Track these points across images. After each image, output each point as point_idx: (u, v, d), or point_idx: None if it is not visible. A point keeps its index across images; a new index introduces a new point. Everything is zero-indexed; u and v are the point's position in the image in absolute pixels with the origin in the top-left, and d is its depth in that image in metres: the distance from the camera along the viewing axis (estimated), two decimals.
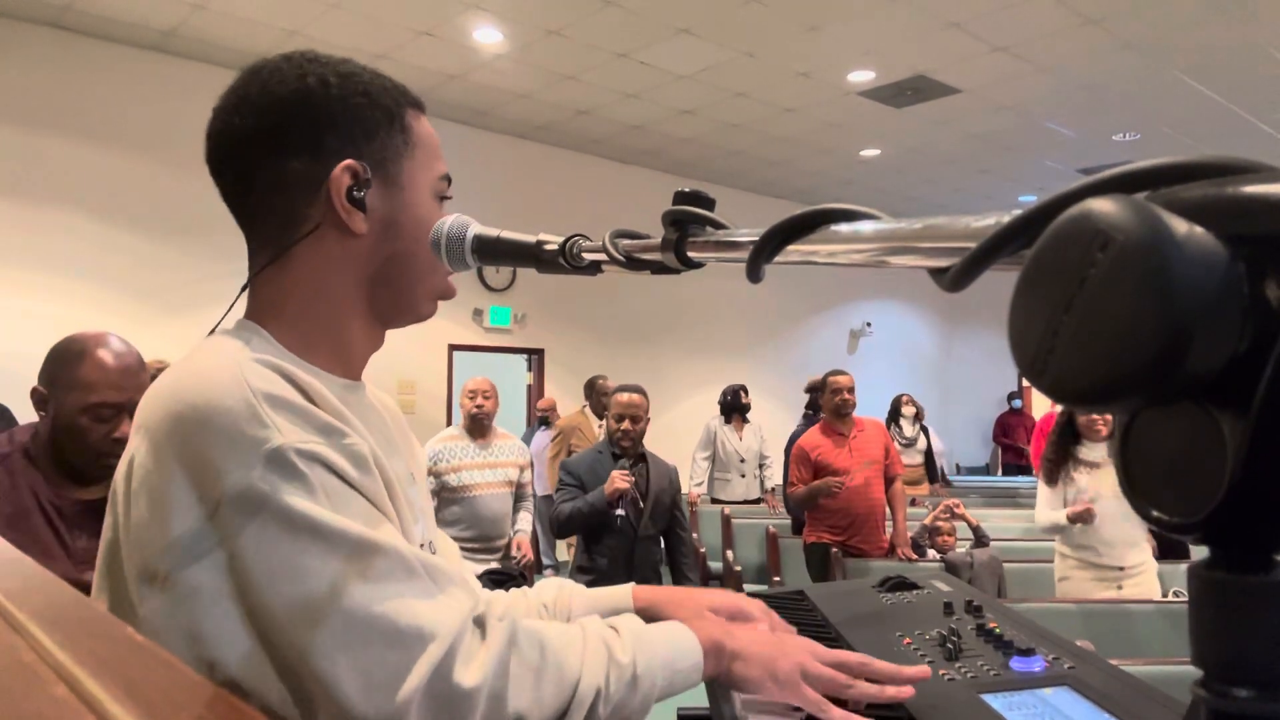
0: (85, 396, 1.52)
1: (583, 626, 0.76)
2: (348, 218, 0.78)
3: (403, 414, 0.97)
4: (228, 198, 0.82)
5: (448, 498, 3.76)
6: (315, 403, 0.71)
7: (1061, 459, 3.47)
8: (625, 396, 3.49)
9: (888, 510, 4.43)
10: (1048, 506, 3.50)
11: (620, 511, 3.28)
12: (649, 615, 0.96)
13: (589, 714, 0.70)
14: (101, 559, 0.72)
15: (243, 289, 0.83)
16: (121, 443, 1.52)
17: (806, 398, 6.51)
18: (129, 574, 0.67)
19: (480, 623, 0.69)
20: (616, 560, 3.29)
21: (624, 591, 0.99)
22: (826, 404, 4.40)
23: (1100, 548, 3.39)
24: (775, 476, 6.19)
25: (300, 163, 0.78)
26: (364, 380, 0.88)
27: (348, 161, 0.78)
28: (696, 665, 0.78)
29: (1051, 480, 3.48)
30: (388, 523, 0.70)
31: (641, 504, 3.37)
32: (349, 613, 0.63)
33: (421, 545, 0.82)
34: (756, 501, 6.20)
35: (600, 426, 5.44)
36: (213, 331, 0.80)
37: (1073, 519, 3.38)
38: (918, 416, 7.41)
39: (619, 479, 3.26)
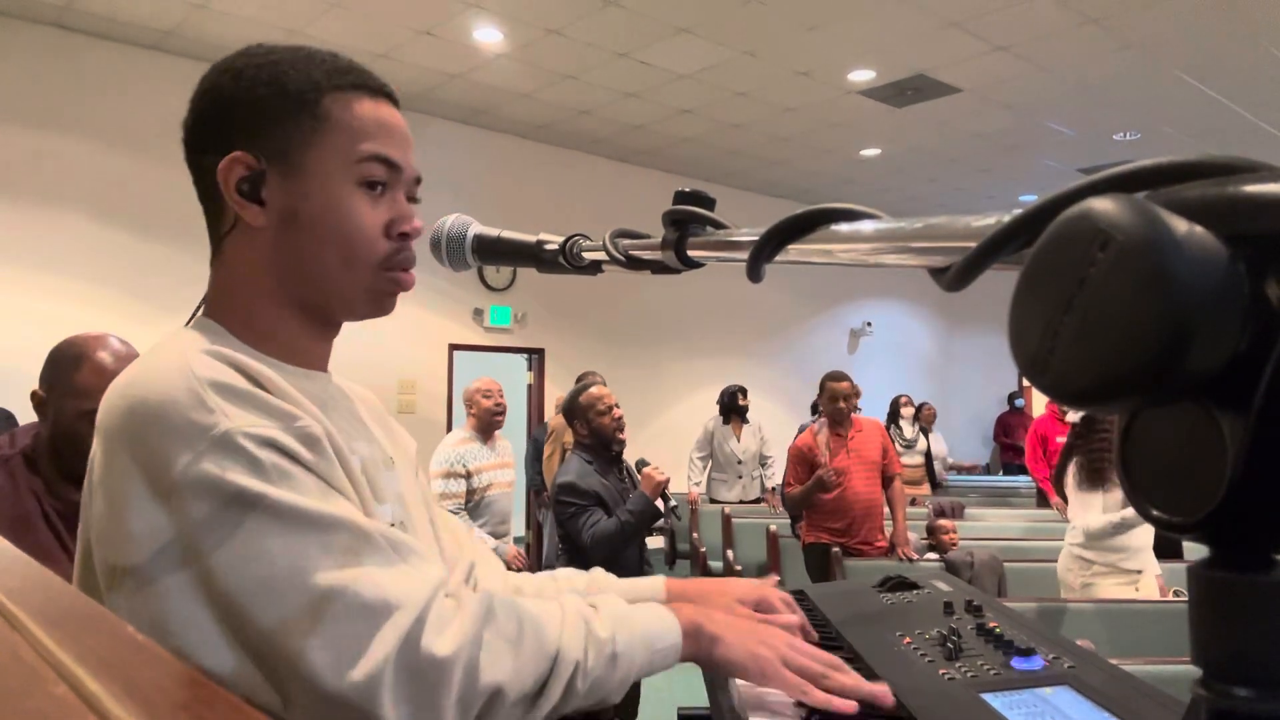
0: (82, 403, 1.48)
1: (561, 603, 0.76)
2: (241, 210, 0.78)
3: (379, 403, 0.97)
4: None
5: (470, 499, 3.82)
6: (266, 389, 0.71)
7: (1105, 461, 3.40)
8: (600, 391, 3.29)
9: (886, 510, 4.43)
10: (1097, 510, 3.36)
11: (674, 504, 3.10)
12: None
13: (567, 687, 0.70)
14: (78, 561, 0.72)
15: (210, 284, 0.83)
16: None
17: (807, 398, 6.51)
18: (98, 573, 0.67)
19: (455, 595, 0.69)
20: (629, 562, 3.13)
21: (656, 583, 1.00)
22: (824, 406, 4.38)
23: (1128, 552, 3.39)
24: (778, 476, 6.19)
25: (211, 157, 0.78)
26: (330, 372, 0.87)
27: (234, 154, 0.77)
28: (675, 645, 0.78)
29: (1098, 484, 3.39)
30: (344, 499, 0.70)
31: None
32: (311, 589, 0.62)
33: (391, 525, 0.81)
34: (755, 502, 6.20)
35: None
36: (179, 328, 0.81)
37: (1121, 525, 3.28)
38: (917, 417, 7.40)
39: (655, 474, 3.05)
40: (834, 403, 4.31)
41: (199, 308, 0.83)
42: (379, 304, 0.83)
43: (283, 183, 0.78)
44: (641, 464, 3.24)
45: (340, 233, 0.78)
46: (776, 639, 0.82)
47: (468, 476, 3.80)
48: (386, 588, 0.64)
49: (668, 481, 3.11)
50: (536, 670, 0.69)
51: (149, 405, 0.66)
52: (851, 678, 0.80)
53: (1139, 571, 3.40)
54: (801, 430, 5.24)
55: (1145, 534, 3.36)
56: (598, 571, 1.05)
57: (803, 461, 4.34)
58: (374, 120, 0.80)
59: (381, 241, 0.80)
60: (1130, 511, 3.28)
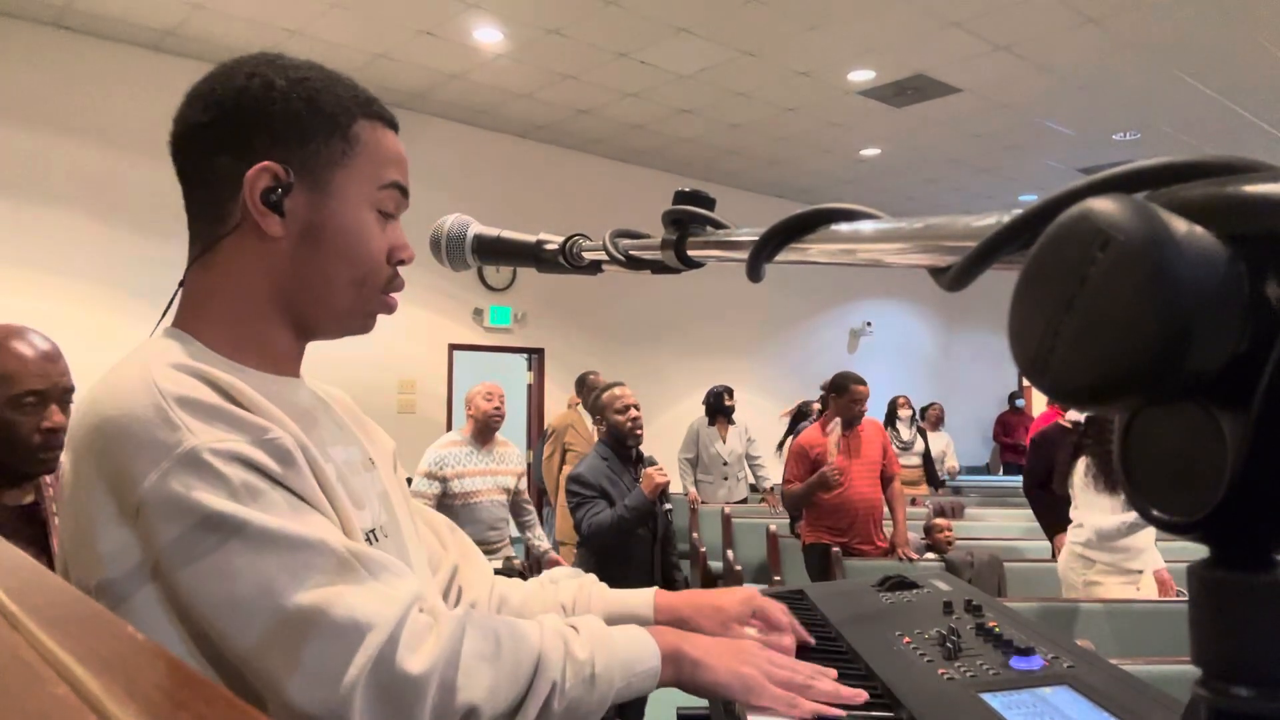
0: (8, 389, 1.47)
1: (540, 622, 0.76)
2: (261, 219, 0.77)
3: (353, 404, 0.97)
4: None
5: (448, 504, 3.75)
6: (237, 401, 0.70)
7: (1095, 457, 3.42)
8: (621, 391, 3.49)
9: (885, 510, 4.42)
10: (1110, 511, 3.36)
11: (668, 506, 3.24)
12: (671, 623, 0.96)
13: (544, 707, 0.70)
14: (59, 574, 0.72)
15: (180, 285, 0.83)
16: (55, 433, 1.48)
17: (807, 398, 6.49)
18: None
19: (431, 611, 0.69)
20: (641, 569, 3.23)
21: (645, 597, 0.99)
22: (843, 409, 4.33)
23: (1131, 551, 3.39)
24: (774, 476, 6.18)
25: (227, 159, 0.78)
26: (303, 376, 0.87)
27: (266, 162, 0.77)
28: (654, 669, 0.79)
29: (1113, 485, 3.39)
30: (316, 515, 0.69)
31: (655, 512, 3.33)
32: (282, 611, 0.62)
33: (372, 530, 0.81)
34: (742, 502, 6.18)
35: (594, 424, 5.40)
36: (153, 332, 0.81)
37: (1128, 529, 3.29)
38: (922, 417, 7.37)
39: (656, 475, 3.20)
40: (857, 405, 4.31)
41: (169, 306, 0.83)
42: (365, 324, 0.86)
43: (308, 199, 0.79)
44: (650, 462, 3.35)
45: (355, 254, 0.80)
46: (758, 656, 0.83)
47: (444, 480, 3.75)
48: (357, 608, 0.64)
49: (668, 483, 3.22)
50: (513, 689, 0.69)
51: (113, 422, 0.66)
52: (833, 685, 0.82)
53: (1140, 571, 3.40)
54: (798, 429, 5.24)
55: (1150, 533, 3.36)
56: (588, 579, 1.04)
57: (804, 459, 4.32)
58: (394, 152, 0.84)
59: (385, 267, 0.83)
60: (1115, 526, 3.33)
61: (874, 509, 4.32)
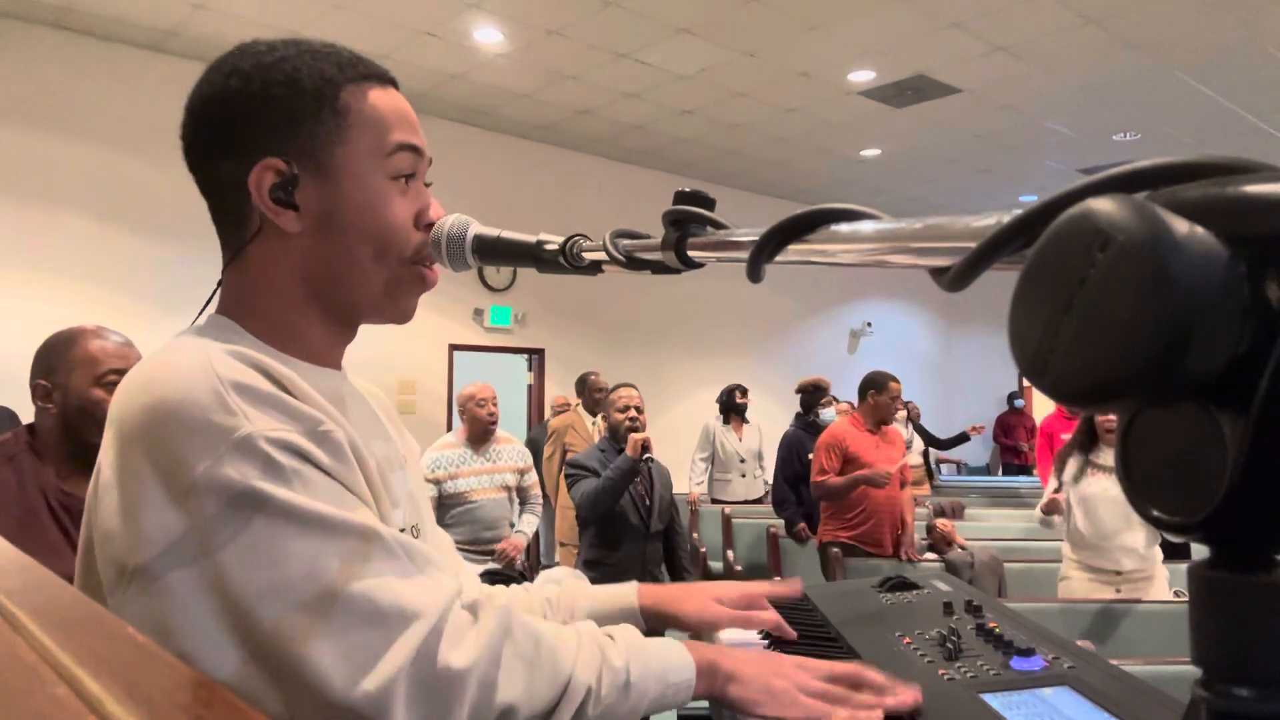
0: (94, 369, 1.59)
1: (577, 629, 0.75)
2: (276, 218, 0.75)
3: (389, 401, 0.96)
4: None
5: (446, 504, 3.77)
6: (290, 391, 0.70)
7: (1077, 452, 3.48)
8: (625, 391, 3.68)
9: None
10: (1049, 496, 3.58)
11: (650, 454, 3.44)
12: (655, 611, 0.98)
13: (578, 712, 0.70)
14: (80, 558, 0.71)
15: (215, 289, 0.82)
16: None
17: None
18: (102, 572, 0.66)
19: (473, 608, 0.68)
20: (631, 555, 3.40)
21: (628, 589, 0.99)
22: (881, 407, 4.32)
23: (1097, 550, 3.40)
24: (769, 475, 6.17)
25: (229, 165, 0.76)
26: (344, 370, 0.86)
27: (265, 160, 0.75)
28: (689, 681, 0.77)
29: (1059, 468, 3.51)
30: (364, 507, 0.69)
31: (649, 501, 3.47)
32: (325, 595, 0.61)
33: (403, 530, 0.80)
34: (757, 501, 6.19)
35: (594, 424, 5.42)
36: (194, 322, 0.80)
37: (1045, 510, 3.52)
38: (909, 419, 7.39)
39: (636, 435, 3.40)
40: (895, 401, 4.34)
41: (204, 309, 0.82)
42: (403, 301, 0.82)
43: (316, 185, 0.76)
44: (630, 429, 3.51)
45: (377, 230, 0.77)
46: (790, 669, 0.80)
47: (438, 483, 3.77)
48: (403, 596, 0.63)
49: (647, 439, 3.44)
50: (550, 692, 0.68)
51: (168, 404, 0.65)
52: (872, 695, 0.78)
53: (1118, 573, 3.38)
54: (810, 425, 5.22)
55: (1122, 536, 3.34)
56: (570, 576, 1.04)
57: (835, 451, 4.28)
58: (392, 109, 0.80)
59: (414, 233, 0.80)
60: (1037, 511, 3.56)
61: (896, 510, 4.30)
